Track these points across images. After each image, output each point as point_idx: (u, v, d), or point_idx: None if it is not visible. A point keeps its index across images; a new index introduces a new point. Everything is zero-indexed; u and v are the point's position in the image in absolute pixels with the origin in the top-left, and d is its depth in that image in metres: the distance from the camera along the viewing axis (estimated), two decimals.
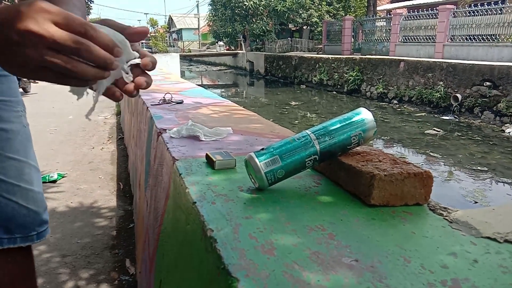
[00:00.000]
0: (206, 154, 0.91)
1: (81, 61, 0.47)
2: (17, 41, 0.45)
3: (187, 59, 34.55)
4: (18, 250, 0.90)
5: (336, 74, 14.55)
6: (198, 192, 0.72)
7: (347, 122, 0.74)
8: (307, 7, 21.48)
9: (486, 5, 10.95)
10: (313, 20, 21.75)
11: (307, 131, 0.73)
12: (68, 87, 0.51)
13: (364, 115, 0.75)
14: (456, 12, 11.75)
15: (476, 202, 4.56)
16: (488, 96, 8.81)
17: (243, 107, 1.85)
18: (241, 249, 0.52)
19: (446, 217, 0.63)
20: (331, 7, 22.34)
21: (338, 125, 0.73)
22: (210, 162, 0.88)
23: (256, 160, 0.70)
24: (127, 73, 0.52)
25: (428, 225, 0.61)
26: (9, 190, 0.86)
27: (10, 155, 0.86)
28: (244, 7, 22.31)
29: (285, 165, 0.71)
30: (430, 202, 0.68)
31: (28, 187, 0.89)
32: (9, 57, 0.47)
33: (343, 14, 20.93)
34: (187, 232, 0.70)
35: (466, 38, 11.30)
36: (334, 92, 14.38)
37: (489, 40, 10.58)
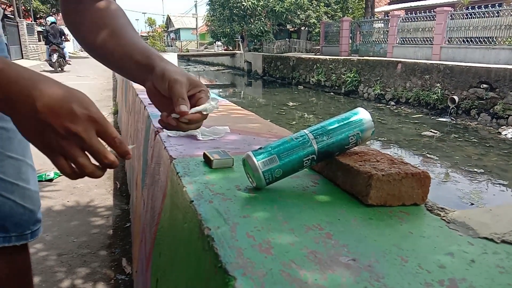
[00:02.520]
0: (204, 153, 0.90)
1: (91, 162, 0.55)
2: (59, 133, 0.50)
3: (185, 59, 34.49)
4: (13, 248, 0.90)
5: (333, 75, 14.57)
6: (195, 191, 0.72)
7: (345, 122, 0.73)
8: (305, 8, 21.52)
9: (483, 8, 10.99)
10: (311, 21, 21.78)
11: (305, 130, 0.73)
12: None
13: (362, 115, 0.75)
14: (453, 14, 11.80)
15: (472, 204, 4.57)
16: (485, 98, 8.85)
17: (241, 107, 1.85)
18: (238, 248, 0.51)
19: (443, 218, 0.63)
20: (329, 8, 22.39)
21: (336, 125, 0.73)
22: (207, 161, 0.88)
23: (254, 159, 0.70)
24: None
25: (425, 225, 0.61)
26: (8, 188, 0.86)
27: (9, 154, 0.86)
28: (242, 7, 22.32)
29: (282, 165, 0.70)
30: (427, 202, 0.68)
31: (25, 186, 0.89)
32: (39, 136, 0.52)
33: (341, 16, 20.98)
34: (184, 231, 0.69)
35: (463, 41, 11.35)
36: (332, 93, 14.40)
37: (486, 43, 10.63)
